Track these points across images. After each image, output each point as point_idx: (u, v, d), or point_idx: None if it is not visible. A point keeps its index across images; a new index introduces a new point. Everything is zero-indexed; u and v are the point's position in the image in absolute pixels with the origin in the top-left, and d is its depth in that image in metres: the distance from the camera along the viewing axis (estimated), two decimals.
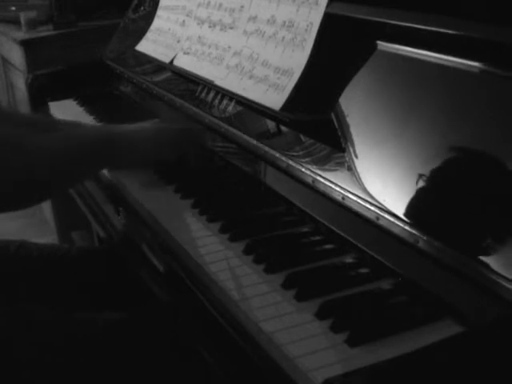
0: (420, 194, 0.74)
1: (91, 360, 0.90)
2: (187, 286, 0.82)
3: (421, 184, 0.74)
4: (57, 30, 2.28)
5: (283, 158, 0.93)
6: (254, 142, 1.00)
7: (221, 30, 1.22)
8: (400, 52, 0.85)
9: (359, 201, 0.78)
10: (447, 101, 0.77)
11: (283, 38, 1.04)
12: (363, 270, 0.78)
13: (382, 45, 0.87)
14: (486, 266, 0.63)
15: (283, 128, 0.98)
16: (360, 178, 0.80)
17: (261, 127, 1.03)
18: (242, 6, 1.17)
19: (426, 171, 0.74)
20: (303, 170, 0.88)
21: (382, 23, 0.87)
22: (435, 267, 0.68)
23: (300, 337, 0.66)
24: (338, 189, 0.82)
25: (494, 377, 0.55)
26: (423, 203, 0.73)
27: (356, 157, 0.82)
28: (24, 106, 2.34)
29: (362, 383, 0.57)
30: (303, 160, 0.89)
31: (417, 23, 0.82)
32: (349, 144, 0.84)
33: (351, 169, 0.82)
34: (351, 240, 0.80)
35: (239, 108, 1.09)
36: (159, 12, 1.51)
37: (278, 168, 0.94)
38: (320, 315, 0.69)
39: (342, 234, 0.82)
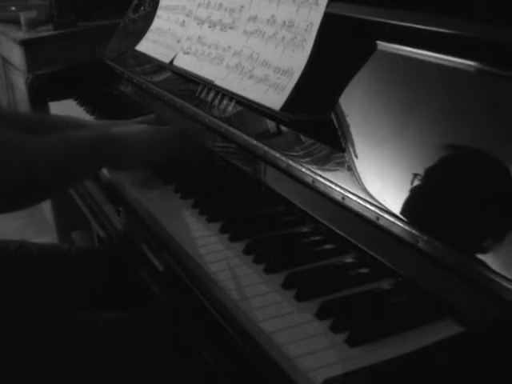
0: (420, 194, 0.74)
1: (91, 360, 0.90)
2: (187, 285, 0.82)
3: (421, 184, 0.74)
4: (57, 29, 2.28)
5: (283, 158, 0.93)
6: (254, 141, 1.00)
7: (221, 29, 1.22)
8: (400, 52, 0.85)
9: (359, 201, 0.78)
10: (447, 101, 0.77)
11: (283, 38, 1.04)
12: (363, 270, 0.78)
13: (382, 45, 0.87)
14: (486, 266, 0.63)
15: (283, 128, 0.98)
16: (360, 178, 0.80)
17: (261, 127, 1.03)
18: (242, 6, 1.17)
19: (426, 171, 0.74)
20: (303, 169, 0.88)
21: (382, 23, 0.87)
22: (435, 267, 0.68)
23: (300, 337, 0.66)
24: (337, 189, 0.82)
25: (494, 377, 0.55)
26: (423, 203, 0.73)
27: (356, 157, 0.82)
28: (24, 106, 2.34)
29: (362, 383, 0.57)
30: (303, 160, 0.89)
31: (417, 23, 0.82)
32: (349, 144, 0.84)
33: (351, 169, 0.82)
34: (351, 240, 0.80)
35: (239, 108, 1.09)
36: (159, 12, 1.51)
37: (278, 168, 0.94)
38: (320, 315, 0.69)
39: (342, 234, 0.82)
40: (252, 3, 1.14)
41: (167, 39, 1.41)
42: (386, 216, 0.74)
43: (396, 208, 0.74)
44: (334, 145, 0.86)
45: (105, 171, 1.16)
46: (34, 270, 1.15)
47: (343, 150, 0.84)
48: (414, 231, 0.71)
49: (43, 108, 1.60)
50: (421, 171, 0.74)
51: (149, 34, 1.52)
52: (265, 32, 1.08)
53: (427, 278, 0.70)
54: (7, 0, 2.55)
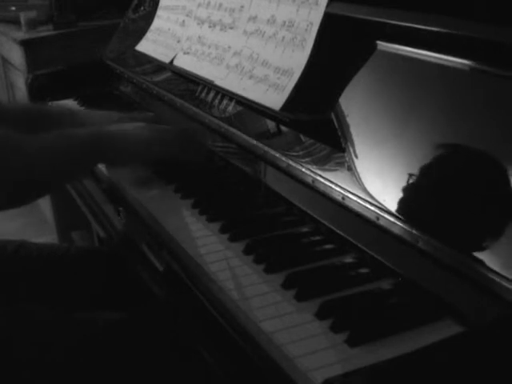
0: (420, 193, 0.74)
1: (91, 360, 0.90)
2: (187, 285, 0.82)
3: (421, 184, 0.74)
4: (57, 29, 2.28)
5: (283, 158, 0.93)
6: (254, 141, 1.00)
7: (221, 29, 1.22)
8: (400, 52, 0.85)
9: (359, 201, 0.78)
10: (447, 101, 0.77)
11: (283, 38, 1.04)
12: (363, 270, 0.78)
13: (382, 45, 0.87)
14: (486, 266, 0.63)
15: (283, 128, 0.98)
16: (360, 178, 0.80)
17: (261, 127, 1.03)
18: (242, 6, 1.17)
19: (427, 171, 0.74)
20: (303, 169, 0.88)
21: (382, 23, 0.87)
22: (435, 267, 0.68)
23: (300, 337, 0.66)
24: (337, 189, 0.82)
25: (494, 377, 0.55)
26: (423, 203, 0.73)
27: (356, 157, 0.82)
28: None
29: (362, 383, 0.57)
30: (303, 160, 0.89)
31: (417, 23, 0.82)
32: (349, 144, 0.84)
33: (351, 169, 0.82)
34: (351, 240, 0.80)
35: (239, 108, 1.09)
36: (159, 12, 1.51)
37: (278, 168, 0.94)
38: (320, 315, 0.69)
39: (342, 234, 0.82)
40: (252, 3, 1.14)
41: (167, 39, 1.41)
42: (386, 216, 0.74)
43: (396, 208, 0.74)
44: (334, 145, 0.86)
45: (104, 171, 1.16)
46: (34, 269, 1.15)
47: (343, 150, 0.84)
48: (413, 231, 0.71)
49: None
50: (421, 171, 0.74)
51: (149, 34, 1.52)
52: (265, 32, 1.08)
53: (427, 277, 0.70)
54: (7, 0, 2.55)
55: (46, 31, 2.30)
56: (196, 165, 1.11)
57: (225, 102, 1.13)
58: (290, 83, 0.99)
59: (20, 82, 2.40)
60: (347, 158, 0.83)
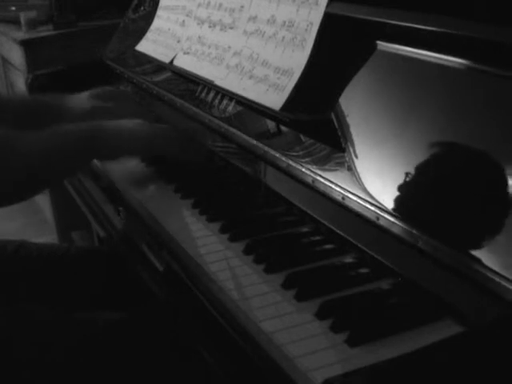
0: (420, 193, 0.74)
1: (91, 360, 0.91)
2: (187, 285, 0.82)
3: (421, 184, 0.74)
4: (57, 29, 2.28)
5: (283, 158, 0.93)
6: (254, 141, 1.00)
7: (221, 29, 1.22)
8: (400, 52, 0.85)
9: (359, 201, 0.78)
10: (447, 101, 0.77)
11: (283, 38, 1.04)
12: (363, 270, 0.78)
13: (382, 45, 0.87)
14: (486, 266, 0.63)
15: (283, 128, 0.98)
16: (360, 178, 0.80)
17: (261, 127, 1.03)
18: (242, 6, 1.17)
19: (427, 171, 0.74)
20: (303, 170, 0.88)
21: (382, 23, 0.87)
22: (435, 267, 0.68)
23: (300, 337, 0.66)
24: (337, 189, 0.82)
25: (494, 377, 0.55)
26: (423, 203, 0.73)
27: (356, 157, 0.82)
28: None
29: (362, 383, 0.57)
30: (303, 160, 0.89)
31: (417, 23, 0.82)
32: (349, 144, 0.84)
33: (351, 169, 0.82)
34: (351, 240, 0.80)
35: (239, 108, 1.09)
36: (159, 12, 1.51)
37: (278, 168, 0.94)
38: (320, 315, 0.69)
39: (342, 234, 0.82)
40: (252, 3, 1.14)
41: (167, 39, 1.41)
42: (386, 216, 0.74)
43: (396, 208, 0.74)
44: (334, 145, 0.86)
45: (104, 171, 1.16)
46: (34, 269, 1.15)
47: (343, 150, 0.84)
48: (413, 231, 0.71)
49: None
50: (421, 171, 0.74)
51: (149, 34, 1.52)
52: (265, 32, 1.08)
53: (427, 277, 0.70)
54: (7, 0, 2.55)
55: (46, 31, 2.30)
56: (196, 165, 1.11)
57: (225, 101, 1.13)
58: (290, 83, 0.99)
59: (20, 82, 2.40)
60: (347, 158, 0.83)
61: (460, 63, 0.76)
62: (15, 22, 2.38)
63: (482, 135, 0.72)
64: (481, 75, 0.75)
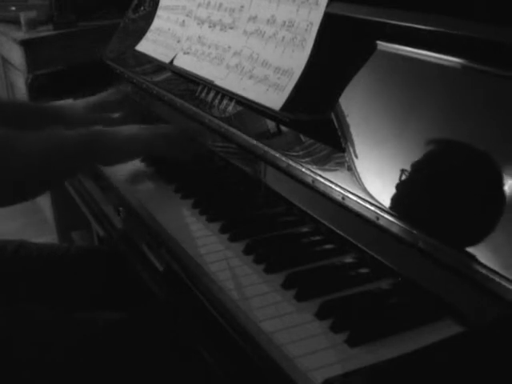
0: (420, 193, 0.74)
1: (91, 360, 0.91)
2: (187, 285, 0.82)
3: (421, 184, 0.74)
4: (57, 29, 2.28)
5: (283, 158, 0.93)
6: (254, 141, 1.00)
7: (221, 29, 1.22)
8: (400, 52, 0.85)
9: (359, 201, 0.78)
10: (447, 101, 0.77)
11: (283, 38, 1.04)
12: (363, 270, 0.78)
13: (382, 45, 0.87)
14: (486, 266, 0.63)
15: (283, 128, 0.98)
16: (360, 178, 0.80)
17: (261, 127, 1.03)
18: (242, 6, 1.17)
19: (427, 171, 0.74)
20: (303, 170, 0.88)
21: (382, 23, 0.87)
22: (435, 267, 0.68)
23: (300, 337, 0.66)
24: (337, 189, 0.82)
25: (494, 377, 0.55)
26: (423, 203, 0.73)
27: (356, 157, 0.82)
28: None
29: (362, 383, 0.57)
30: (303, 160, 0.89)
31: (417, 23, 0.82)
32: (349, 144, 0.84)
33: (351, 169, 0.82)
34: (351, 240, 0.80)
35: (239, 108, 1.09)
36: (159, 12, 1.51)
37: (278, 168, 0.94)
38: (320, 315, 0.69)
39: (342, 234, 0.82)
40: (252, 3, 1.14)
41: (167, 39, 1.41)
42: (386, 216, 0.74)
43: (396, 208, 0.74)
44: (334, 145, 0.86)
45: (105, 171, 1.16)
46: (34, 269, 1.15)
47: (343, 150, 0.84)
48: (413, 231, 0.71)
49: None
50: (421, 171, 0.74)
51: (149, 34, 1.52)
52: (265, 32, 1.08)
53: (427, 277, 0.70)
54: (7, 0, 2.55)
55: (46, 31, 2.30)
56: (196, 165, 1.11)
57: (225, 101, 1.13)
58: (290, 83, 0.99)
59: (20, 82, 2.40)
60: (347, 158, 0.83)
61: (460, 63, 0.76)
62: (15, 22, 2.38)
63: (481, 135, 0.72)
64: (481, 75, 0.75)
